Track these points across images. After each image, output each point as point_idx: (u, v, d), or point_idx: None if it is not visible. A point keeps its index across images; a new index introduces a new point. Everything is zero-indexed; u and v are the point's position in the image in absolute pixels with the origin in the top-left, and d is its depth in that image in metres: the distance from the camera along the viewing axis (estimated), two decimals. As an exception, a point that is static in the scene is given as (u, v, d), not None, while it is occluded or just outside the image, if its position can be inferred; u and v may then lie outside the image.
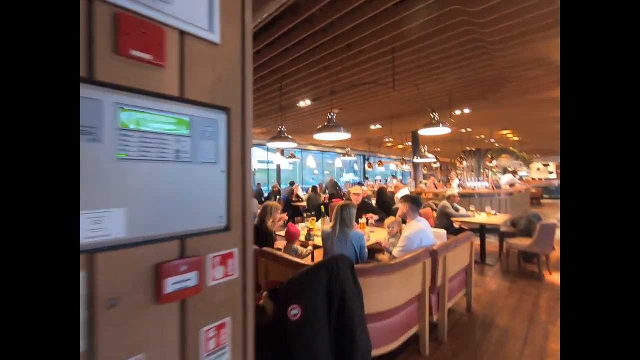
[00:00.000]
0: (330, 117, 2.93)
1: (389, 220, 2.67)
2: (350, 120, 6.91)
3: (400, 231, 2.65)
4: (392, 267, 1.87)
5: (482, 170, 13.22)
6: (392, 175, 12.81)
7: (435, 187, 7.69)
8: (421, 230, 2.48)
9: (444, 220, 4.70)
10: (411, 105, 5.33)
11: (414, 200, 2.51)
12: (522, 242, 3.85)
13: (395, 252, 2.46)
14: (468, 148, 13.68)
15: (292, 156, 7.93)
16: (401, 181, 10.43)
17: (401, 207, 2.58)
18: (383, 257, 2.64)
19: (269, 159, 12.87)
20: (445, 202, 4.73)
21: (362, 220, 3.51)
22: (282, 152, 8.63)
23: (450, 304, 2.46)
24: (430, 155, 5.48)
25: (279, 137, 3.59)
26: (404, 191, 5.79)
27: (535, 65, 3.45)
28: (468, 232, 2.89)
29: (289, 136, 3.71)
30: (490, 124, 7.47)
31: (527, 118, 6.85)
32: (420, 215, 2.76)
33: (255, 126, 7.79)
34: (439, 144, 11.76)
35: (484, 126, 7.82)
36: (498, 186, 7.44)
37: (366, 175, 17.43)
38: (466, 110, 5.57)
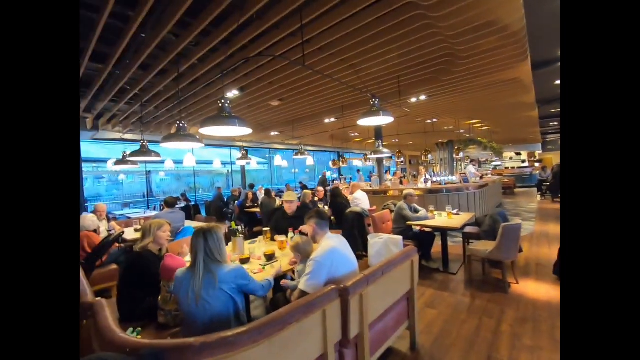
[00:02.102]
0: (222, 104, 2.16)
1: (294, 242, 1.95)
2: (296, 114, 6.17)
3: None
4: (253, 335, 1.15)
5: (455, 163, 12.89)
6: (358, 171, 12.14)
7: (401, 184, 7.12)
8: (332, 250, 1.80)
9: (401, 224, 4.12)
10: (359, 95, 4.67)
11: (319, 215, 1.83)
12: (484, 248, 3.29)
13: (302, 285, 1.76)
14: (440, 140, 13.32)
15: (245, 157, 7.08)
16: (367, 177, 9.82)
17: (308, 227, 1.88)
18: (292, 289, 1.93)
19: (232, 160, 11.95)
20: (401, 204, 4.14)
21: (285, 236, 2.75)
22: (246, 152, 7.84)
23: (377, 355, 1.79)
24: (386, 151, 4.85)
25: (177, 135, 2.77)
26: (360, 194, 5.14)
27: (486, 32, 2.85)
28: (409, 247, 2.24)
29: (195, 135, 2.90)
30: (454, 112, 6.96)
31: (492, 105, 6.39)
32: (336, 230, 2.11)
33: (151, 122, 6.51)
34: (409, 137, 11.25)
35: (449, 116, 7.31)
36: (466, 180, 6.97)
37: (341, 173, 16.78)
38: (422, 97, 4.97)
